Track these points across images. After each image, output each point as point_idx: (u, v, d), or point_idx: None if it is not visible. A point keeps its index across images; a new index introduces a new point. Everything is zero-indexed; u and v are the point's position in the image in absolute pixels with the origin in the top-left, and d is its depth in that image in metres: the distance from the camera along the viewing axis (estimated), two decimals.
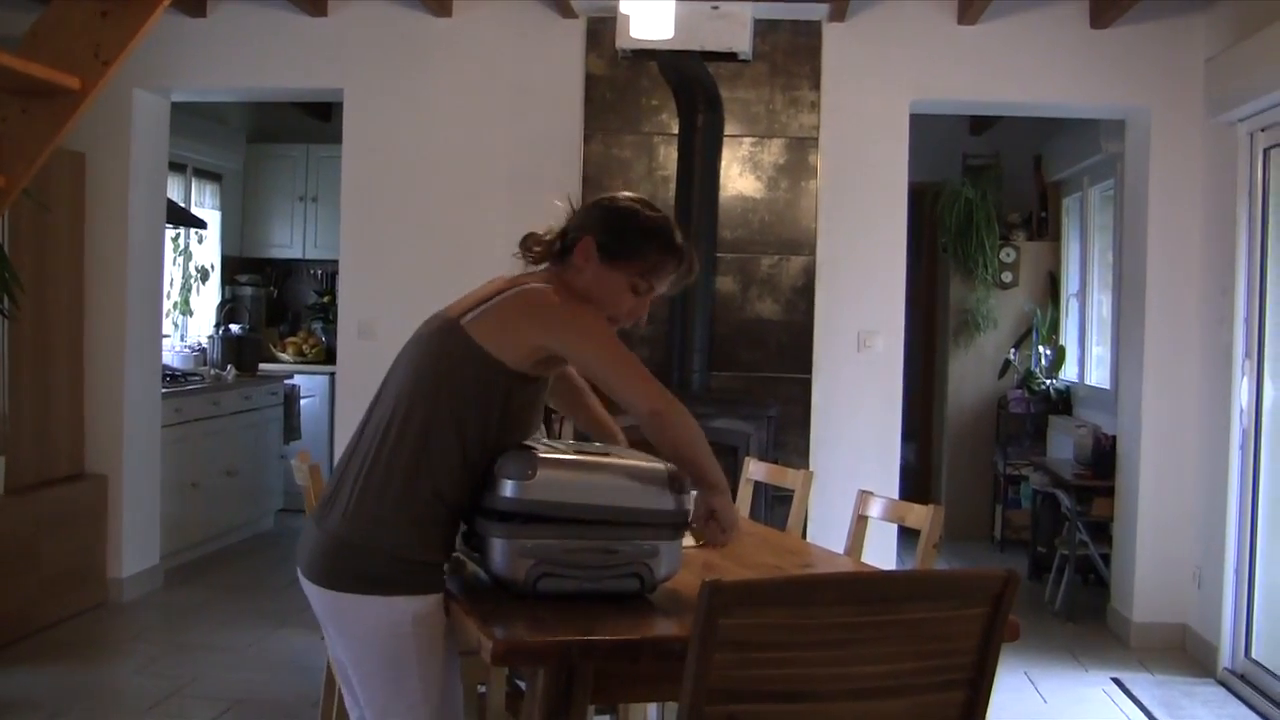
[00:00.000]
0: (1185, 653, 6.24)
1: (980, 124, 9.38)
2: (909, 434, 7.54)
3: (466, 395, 2.69)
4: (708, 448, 2.76)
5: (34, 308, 6.12)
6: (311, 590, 2.77)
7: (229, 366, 8.64)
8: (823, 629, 2.19)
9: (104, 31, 4.34)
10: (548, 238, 2.92)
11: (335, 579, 2.72)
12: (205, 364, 8.82)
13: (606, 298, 2.84)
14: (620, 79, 6.59)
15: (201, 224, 9.15)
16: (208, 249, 9.57)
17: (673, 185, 6.43)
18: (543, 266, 2.93)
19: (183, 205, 8.91)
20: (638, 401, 2.70)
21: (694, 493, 2.78)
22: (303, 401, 9.33)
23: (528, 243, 2.94)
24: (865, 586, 2.32)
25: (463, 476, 2.72)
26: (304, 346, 9.80)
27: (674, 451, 2.74)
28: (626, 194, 2.97)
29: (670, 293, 2.97)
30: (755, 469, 4.52)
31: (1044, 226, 9.36)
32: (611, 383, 2.73)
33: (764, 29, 6.48)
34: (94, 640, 6.08)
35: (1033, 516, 8.03)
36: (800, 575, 3.09)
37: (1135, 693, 5.61)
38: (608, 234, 2.84)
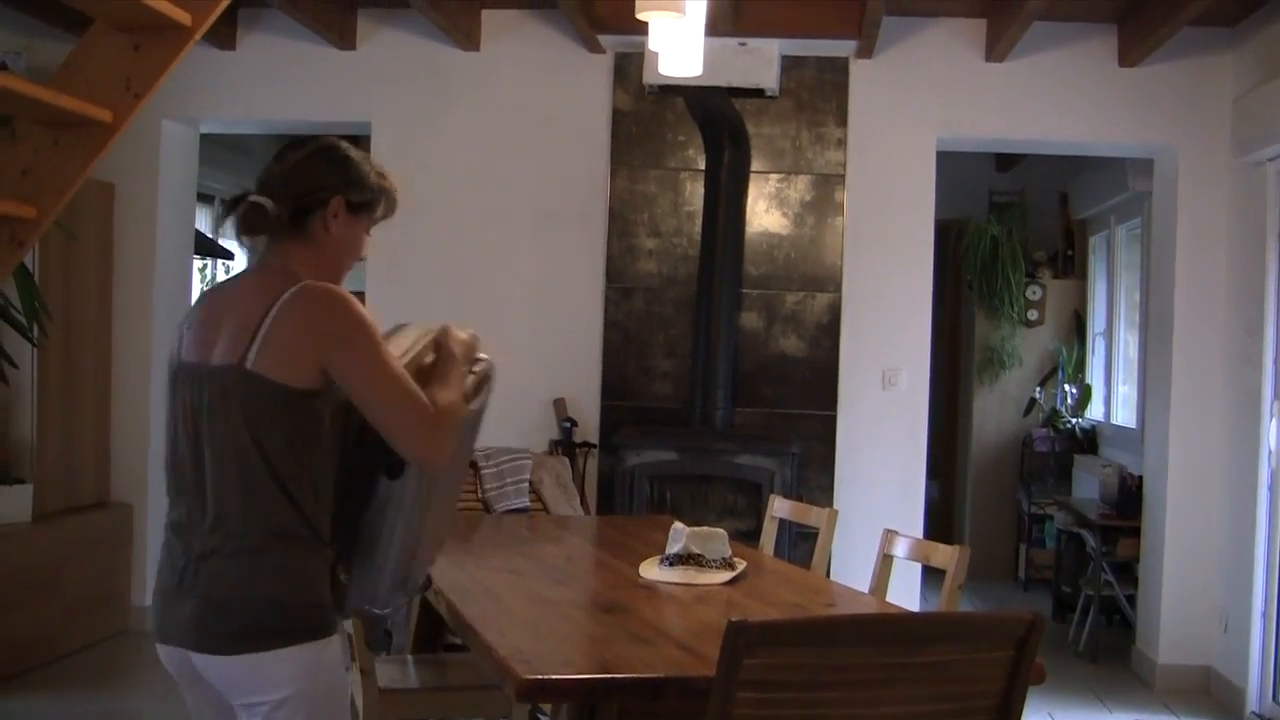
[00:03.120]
0: (1210, 695, 6.18)
1: (1006, 161, 9.37)
2: (932, 471, 7.51)
3: (292, 434, 2.50)
4: (457, 411, 2.61)
5: (62, 337, 6.17)
6: (204, 662, 2.53)
7: None
8: (846, 670, 2.18)
9: (135, 64, 4.36)
10: (269, 206, 2.65)
11: (226, 642, 2.47)
12: None
13: (350, 251, 2.74)
14: (646, 114, 6.61)
15: (229, 254, 9.19)
16: None
17: (698, 221, 6.45)
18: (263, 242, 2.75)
19: (210, 236, 8.95)
20: (414, 449, 2.53)
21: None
22: None
23: (249, 217, 2.68)
24: (889, 627, 2.31)
25: (320, 508, 2.55)
26: None
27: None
28: (334, 139, 2.77)
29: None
30: (779, 506, 4.51)
31: (1070, 264, 9.34)
32: (388, 417, 2.53)
33: (791, 65, 6.49)
34: (115, 667, 6.08)
35: (1057, 556, 7.98)
36: (824, 616, 3.07)
37: None
38: (351, 187, 2.69)
